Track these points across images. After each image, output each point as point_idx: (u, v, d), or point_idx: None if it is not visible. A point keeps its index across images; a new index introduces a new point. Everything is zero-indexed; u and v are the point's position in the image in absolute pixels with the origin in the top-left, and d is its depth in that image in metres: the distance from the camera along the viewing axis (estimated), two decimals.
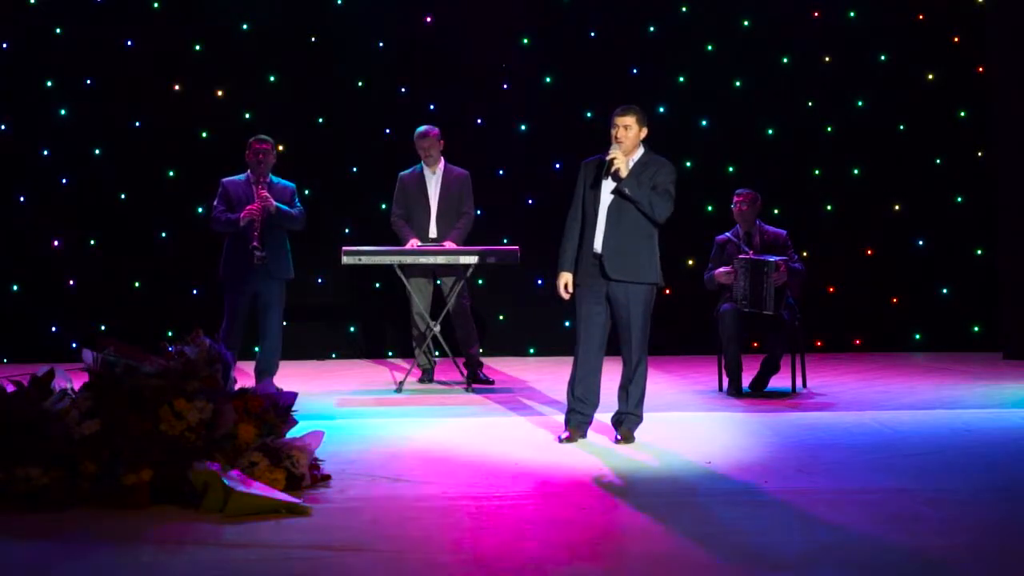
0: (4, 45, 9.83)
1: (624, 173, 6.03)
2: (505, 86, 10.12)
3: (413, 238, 8.14)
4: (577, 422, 6.20)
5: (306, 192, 9.90)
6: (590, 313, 6.16)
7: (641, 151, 6.20)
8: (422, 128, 8.30)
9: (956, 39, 10.09)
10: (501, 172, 9.98)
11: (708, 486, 5.20)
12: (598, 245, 6.13)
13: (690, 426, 6.62)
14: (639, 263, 6.12)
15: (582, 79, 9.95)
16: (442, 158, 8.33)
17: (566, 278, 6.22)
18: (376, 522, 4.64)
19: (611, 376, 6.31)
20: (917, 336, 10.12)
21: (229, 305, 7.61)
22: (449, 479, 5.35)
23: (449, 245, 8.04)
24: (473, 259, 7.92)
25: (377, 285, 9.99)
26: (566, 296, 6.24)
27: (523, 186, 10.03)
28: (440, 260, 8.00)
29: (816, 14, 10.12)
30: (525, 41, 10.11)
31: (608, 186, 6.14)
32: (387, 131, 9.96)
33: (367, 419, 6.96)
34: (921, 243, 10.15)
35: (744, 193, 7.94)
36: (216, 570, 4.08)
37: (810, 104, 10.16)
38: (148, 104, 9.87)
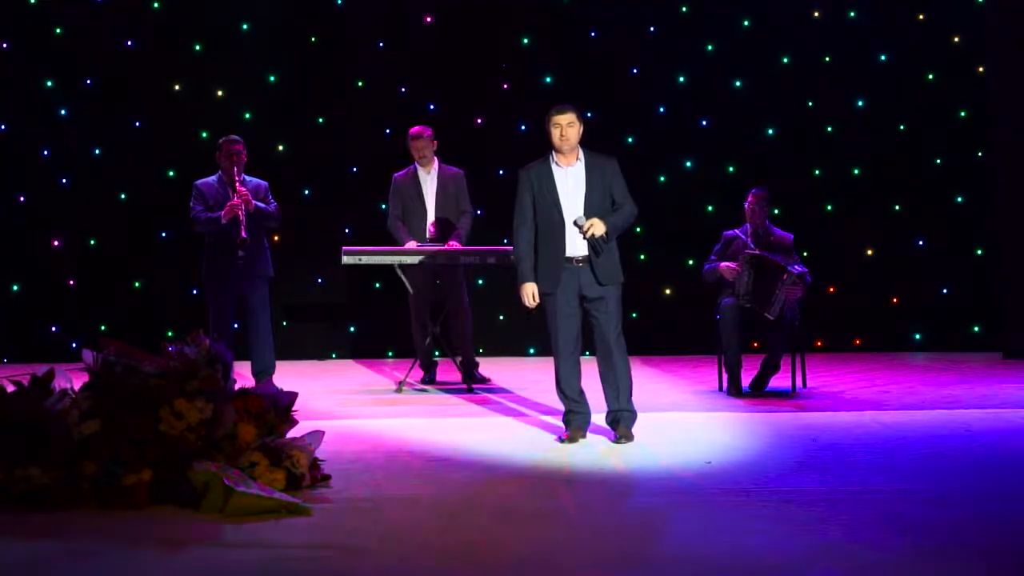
0: (4, 45, 9.83)
1: (603, 229, 6.01)
2: (505, 86, 10.12)
3: (410, 240, 8.14)
4: (578, 423, 6.20)
5: (306, 192, 9.93)
6: (566, 315, 6.15)
7: (580, 150, 6.20)
8: (415, 129, 8.30)
9: (956, 39, 10.09)
10: (501, 172, 9.97)
11: (708, 486, 5.19)
12: (576, 250, 6.11)
13: (690, 426, 6.61)
14: (615, 265, 6.19)
15: (582, 79, 9.95)
16: (436, 158, 8.33)
17: (532, 288, 6.17)
18: (376, 522, 4.64)
19: (591, 376, 6.32)
20: (917, 336, 10.12)
21: (214, 307, 7.64)
22: (449, 479, 5.35)
23: (453, 245, 8.04)
24: (473, 259, 7.93)
25: (377, 285, 10.00)
26: (532, 305, 6.21)
27: None
28: (440, 260, 8.00)
29: (816, 14, 10.13)
30: (525, 41, 10.11)
31: (570, 198, 6.13)
32: (387, 131, 9.96)
33: (367, 419, 6.96)
34: (921, 243, 10.15)
35: (759, 193, 7.89)
36: (216, 570, 4.08)
37: (810, 104, 10.16)
38: (148, 104, 9.88)
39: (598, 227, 6.01)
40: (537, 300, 6.19)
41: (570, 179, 6.17)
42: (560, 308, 6.15)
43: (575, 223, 6.06)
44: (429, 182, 8.29)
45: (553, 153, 6.20)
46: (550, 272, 6.14)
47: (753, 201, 7.87)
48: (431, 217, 8.24)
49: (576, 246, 6.11)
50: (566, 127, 6.10)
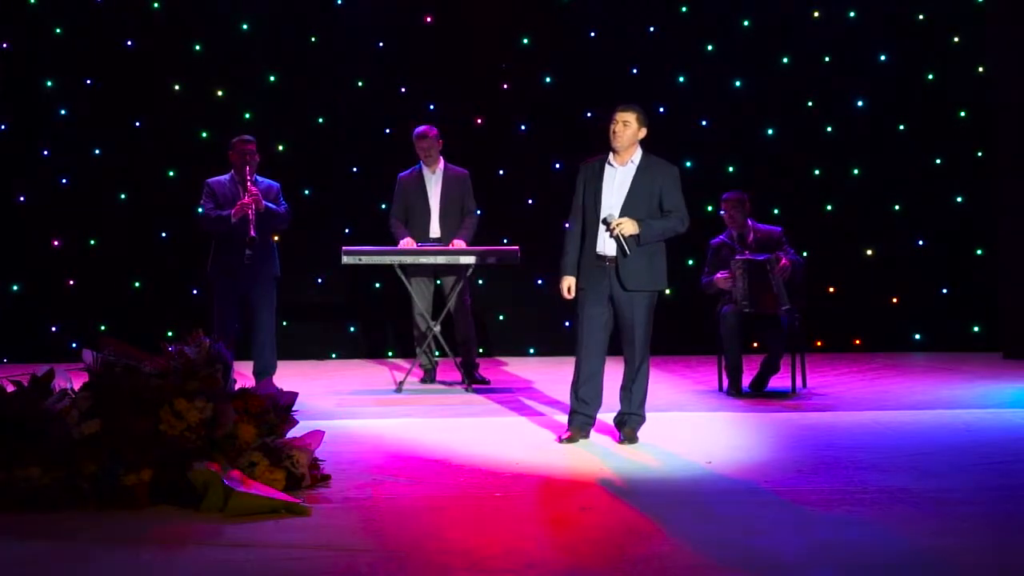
0: (4, 45, 9.83)
1: (633, 230, 6.00)
2: (505, 86, 10.12)
3: (406, 237, 8.13)
4: (580, 423, 6.20)
5: (306, 192, 9.93)
6: (593, 315, 6.15)
7: (639, 152, 6.19)
8: (421, 128, 8.30)
9: (956, 39, 10.09)
10: (501, 172, 9.98)
11: (708, 486, 5.20)
12: (607, 248, 6.11)
13: (690, 426, 6.62)
14: (652, 271, 6.15)
15: (582, 79, 9.95)
16: (441, 158, 8.34)
17: (569, 281, 6.21)
18: (376, 522, 4.64)
19: (611, 376, 6.31)
20: (917, 336, 10.12)
21: (219, 305, 7.63)
22: (449, 479, 5.35)
23: (459, 244, 8.03)
24: (473, 259, 7.93)
25: (377, 285, 10.00)
26: (569, 298, 6.25)
27: (523, 186, 10.03)
28: (440, 260, 7.99)
29: (816, 14, 10.12)
30: (525, 41, 10.11)
31: (613, 197, 6.11)
32: (387, 131, 9.96)
33: (367, 419, 6.96)
34: (921, 243, 10.15)
35: (729, 198, 7.90)
36: (216, 570, 4.08)
37: (810, 104, 10.16)
38: (148, 104, 9.88)
39: (627, 226, 6.00)
40: (574, 293, 6.20)
41: (618, 178, 6.16)
42: (587, 306, 6.16)
43: (604, 220, 6.06)
44: (434, 182, 8.28)
45: (611, 151, 6.20)
46: (585, 269, 6.16)
47: (726, 207, 7.89)
48: (436, 217, 8.23)
49: (607, 245, 6.11)
50: (620, 124, 6.09)
